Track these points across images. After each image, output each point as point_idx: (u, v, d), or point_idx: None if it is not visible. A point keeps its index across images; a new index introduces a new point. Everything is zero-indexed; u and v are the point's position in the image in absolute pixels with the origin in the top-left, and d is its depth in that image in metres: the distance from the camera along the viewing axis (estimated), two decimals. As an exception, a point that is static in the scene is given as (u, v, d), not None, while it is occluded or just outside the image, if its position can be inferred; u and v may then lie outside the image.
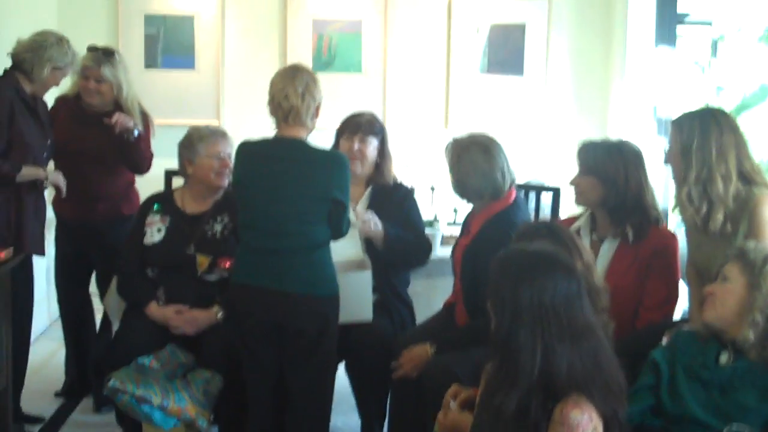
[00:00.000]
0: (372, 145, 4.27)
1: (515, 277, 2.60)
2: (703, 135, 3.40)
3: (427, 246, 4.33)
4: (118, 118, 4.49)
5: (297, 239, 3.53)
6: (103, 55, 4.60)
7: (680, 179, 3.48)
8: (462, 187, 3.91)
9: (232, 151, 4.16)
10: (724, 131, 3.40)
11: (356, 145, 4.22)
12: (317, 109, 3.71)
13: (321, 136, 4.25)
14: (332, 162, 3.60)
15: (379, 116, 6.50)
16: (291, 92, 3.61)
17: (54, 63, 4.22)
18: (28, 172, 4.14)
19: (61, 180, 4.28)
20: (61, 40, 4.27)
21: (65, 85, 4.64)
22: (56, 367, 5.19)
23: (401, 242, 4.20)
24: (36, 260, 4.86)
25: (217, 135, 4.22)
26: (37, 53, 4.19)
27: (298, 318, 3.55)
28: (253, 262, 3.60)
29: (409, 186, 4.48)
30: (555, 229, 3.10)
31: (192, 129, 4.27)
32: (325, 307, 3.60)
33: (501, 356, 2.63)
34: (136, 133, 4.53)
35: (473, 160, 3.82)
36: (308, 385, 3.65)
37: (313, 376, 3.65)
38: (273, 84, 3.67)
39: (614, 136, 4.08)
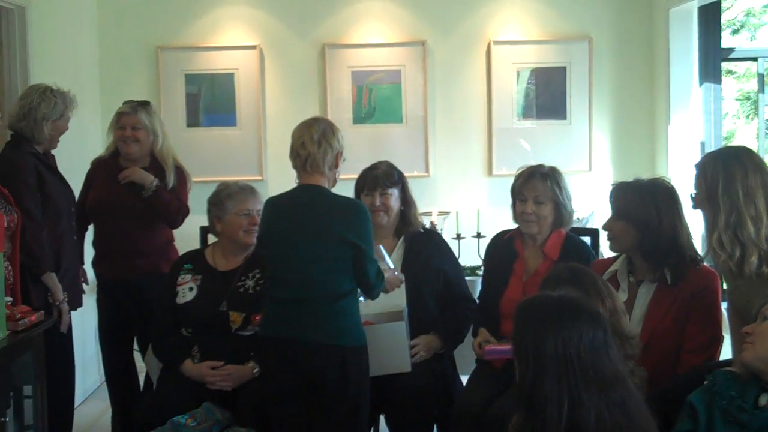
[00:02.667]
0: (393, 197, 4.25)
1: (538, 326, 2.55)
2: (728, 177, 3.30)
3: (471, 306, 4.30)
4: (126, 172, 4.56)
5: (320, 288, 3.53)
6: (138, 104, 4.69)
7: (710, 225, 3.38)
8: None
9: (262, 206, 4.18)
10: (749, 171, 3.30)
11: (377, 201, 4.20)
12: (337, 157, 3.74)
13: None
14: (350, 208, 3.63)
15: (422, 165, 6.62)
16: (307, 140, 3.66)
17: (49, 118, 4.28)
18: (52, 282, 4.19)
19: (65, 312, 4.30)
20: (44, 93, 4.32)
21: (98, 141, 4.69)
22: (104, 427, 5.24)
23: (456, 336, 4.23)
24: (86, 320, 4.93)
25: (245, 192, 4.22)
26: (28, 118, 4.26)
27: (319, 369, 3.53)
28: (277, 314, 3.62)
29: (439, 229, 4.45)
30: (577, 273, 3.04)
31: (221, 185, 4.29)
32: (349, 358, 3.55)
33: (527, 408, 2.56)
34: (154, 185, 4.58)
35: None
36: None
37: (350, 424, 3.60)
38: (292, 135, 3.73)
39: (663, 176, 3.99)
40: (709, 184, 3.34)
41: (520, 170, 4.15)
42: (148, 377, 4.67)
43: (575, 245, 4.11)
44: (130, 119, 4.66)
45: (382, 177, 4.24)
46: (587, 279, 3.02)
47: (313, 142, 3.64)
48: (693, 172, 3.48)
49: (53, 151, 4.48)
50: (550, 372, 2.49)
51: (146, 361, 4.48)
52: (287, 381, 3.59)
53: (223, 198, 4.21)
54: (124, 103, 4.77)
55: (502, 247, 4.19)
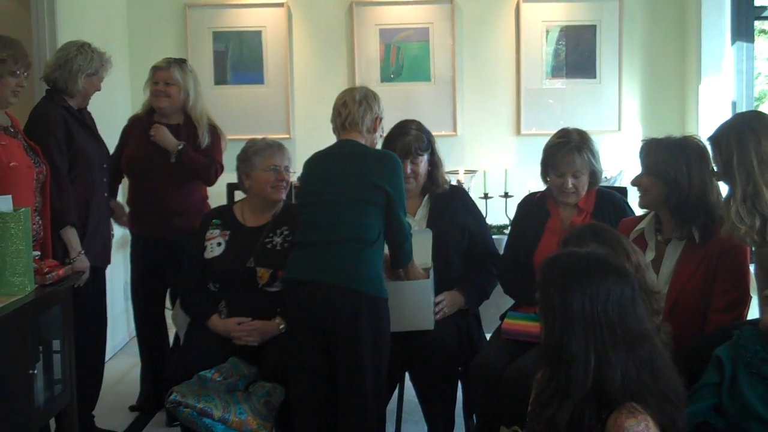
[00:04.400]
0: (423, 162, 4.22)
1: (566, 284, 2.54)
2: (741, 148, 3.23)
3: (496, 263, 4.28)
4: (153, 131, 4.57)
5: (348, 230, 3.58)
6: (174, 60, 4.72)
7: (727, 198, 3.33)
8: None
9: (291, 163, 4.19)
10: (762, 137, 3.23)
11: (408, 169, 4.17)
12: (376, 121, 3.82)
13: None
14: (384, 157, 3.75)
15: (450, 124, 6.59)
16: (349, 100, 3.81)
17: (84, 71, 4.30)
18: (70, 237, 4.18)
19: (86, 267, 4.28)
20: (82, 47, 4.34)
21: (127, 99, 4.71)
22: (132, 382, 5.29)
23: (480, 292, 4.23)
24: (115, 277, 4.97)
25: (273, 147, 4.22)
26: (64, 69, 4.28)
27: (333, 311, 3.55)
28: (302, 257, 3.66)
29: (466, 188, 4.44)
30: (600, 231, 3.02)
31: (249, 142, 4.29)
32: (364, 306, 3.56)
33: (552, 366, 2.56)
34: (177, 149, 4.62)
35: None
36: (357, 390, 3.60)
37: (362, 379, 3.60)
38: (336, 100, 3.87)
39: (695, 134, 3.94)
40: (725, 158, 3.29)
41: (552, 142, 4.10)
42: (177, 334, 4.71)
43: (609, 196, 4.12)
44: (163, 74, 4.71)
45: (414, 144, 4.20)
46: (610, 235, 3.00)
47: (354, 102, 3.79)
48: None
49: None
50: (577, 329, 2.49)
51: (173, 317, 4.51)
52: (305, 328, 3.62)
53: (250, 154, 4.21)
54: (162, 60, 4.81)
55: (533, 207, 4.18)
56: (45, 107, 4.26)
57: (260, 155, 4.19)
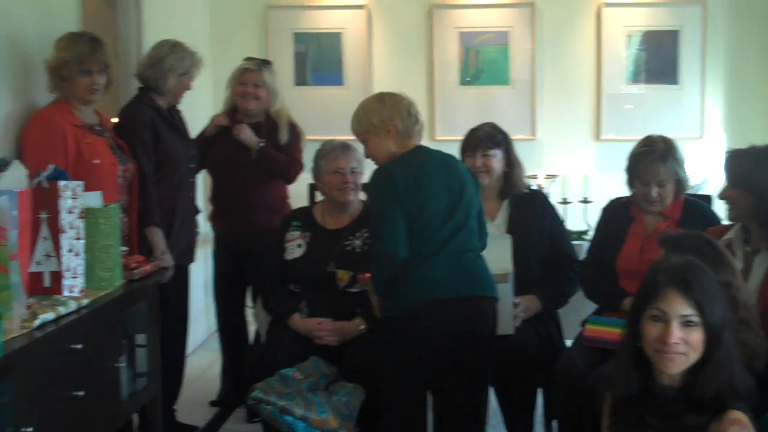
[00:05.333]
0: (496, 158, 4.20)
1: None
2: None
3: (576, 267, 4.26)
4: (236, 130, 4.66)
5: (470, 238, 3.57)
6: (262, 62, 4.77)
7: None
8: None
9: (360, 164, 4.17)
10: None
11: (479, 162, 4.17)
12: None
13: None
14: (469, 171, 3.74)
15: (529, 128, 6.56)
16: (413, 105, 3.71)
17: (176, 71, 4.36)
18: (154, 236, 4.23)
19: (170, 265, 4.31)
20: (174, 47, 4.40)
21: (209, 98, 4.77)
22: (212, 378, 5.35)
23: (557, 296, 4.21)
24: (196, 274, 5.04)
25: (336, 150, 4.23)
26: (156, 67, 4.34)
27: (487, 322, 3.57)
28: (434, 274, 3.46)
29: (545, 191, 4.41)
30: (697, 240, 2.99)
31: (322, 144, 4.33)
32: (494, 311, 3.63)
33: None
34: (258, 147, 4.69)
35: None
36: (479, 392, 3.64)
37: (485, 381, 3.67)
38: (401, 102, 3.66)
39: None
40: None
41: (636, 150, 4.05)
42: (257, 330, 4.76)
43: (696, 205, 4.08)
44: (253, 76, 4.77)
45: (483, 138, 4.21)
46: (711, 247, 2.97)
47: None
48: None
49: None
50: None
51: (254, 315, 4.56)
52: (441, 346, 3.49)
53: (318, 158, 4.25)
54: (247, 59, 4.86)
55: (617, 213, 4.14)
56: (134, 108, 4.34)
57: (326, 158, 4.21)
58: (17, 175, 3.02)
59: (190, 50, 4.45)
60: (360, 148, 3.90)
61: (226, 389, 5.09)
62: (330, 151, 4.24)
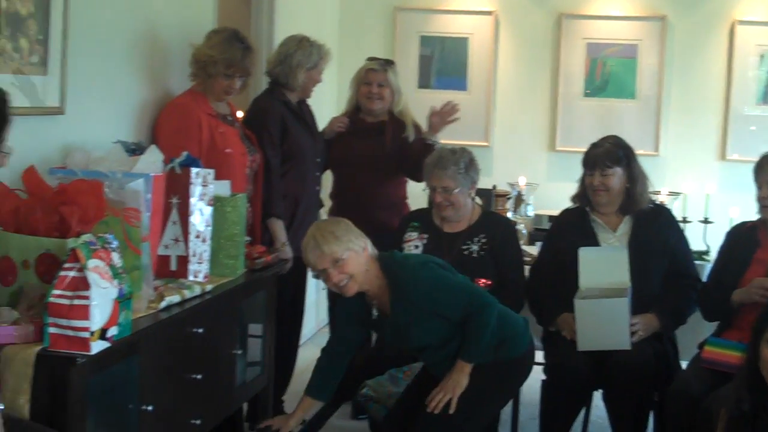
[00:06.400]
0: (615, 176, 4.11)
1: None
2: None
3: (696, 285, 4.15)
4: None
5: None
6: (386, 62, 4.81)
7: None
8: None
9: (454, 180, 4.13)
10: None
11: (597, 180, 4.11)
12: None
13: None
14: None
15: (652, 144, 6.45)
16: None
17: (304, 65, 4.42)
18: (275, 228, 4.31)
19: (290, 257, 4.35)
20: (301, 42, 4.45)
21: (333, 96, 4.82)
22: (319, 372, 5.38)
23: (677, 316, 4.10)
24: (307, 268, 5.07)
25: (428, 167, 4.19)
26: (285, 64, 4.41)
27: None
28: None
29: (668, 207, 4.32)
30: None
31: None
32: None
33: None
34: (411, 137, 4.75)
35: None
36: None
37: None
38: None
39: None
40: None
41: None
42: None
43: None
44: (378, 76, 4.80)
45: (602, 156, 4.12)
46: None
47: None
48: None
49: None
50: None
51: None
52: None
53: (424, 170, 4.25)
54: (370, 59, 4.91)
55: (742, 237, 4.03)
56: (264, 101, 4.43)
57: (426, 173, 4.21)
58: (153, 160, 3.12)
59: (317, 43, 4.51)
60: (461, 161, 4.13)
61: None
62: (427, 167, 4.21)
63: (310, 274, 4.46)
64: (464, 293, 3.48)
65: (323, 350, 3.69)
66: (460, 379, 3.42)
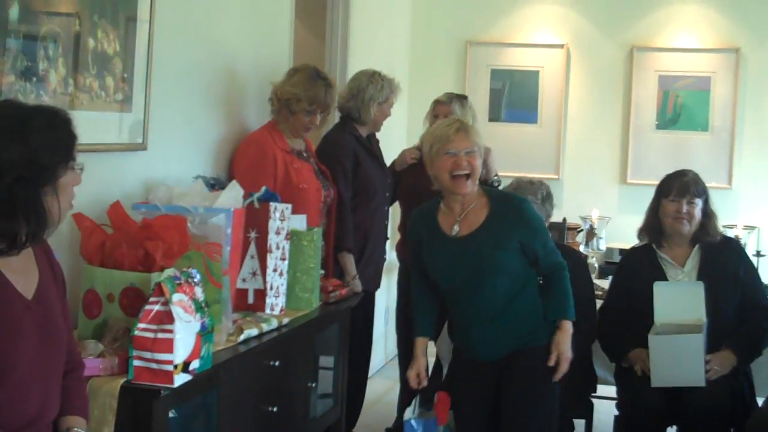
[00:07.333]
0: (698, 207, 4.10)
1: None
2: None
3: None
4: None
5: None
6: (456, 96, 4.85)
7: None
8: None
9: None
10: None
11: (684, 208, 4.08)
12: None
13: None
14: None
15: (725, 177, 6.38)
16: None
17: (376, 100, 4.47)
18: (346, 261, 4.36)
19: (359, 290, 4.36)
20: (372, 77, 4.51)
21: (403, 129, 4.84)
22: (389, 404, 5.42)
23: (751, 350, 4.04)
24: (377, 300, 5.12)
25: None
26: (357, 99, 4.47)
27: None
28: None
29: (741, 240, 4.27)
30: None
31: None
32: None
33: None
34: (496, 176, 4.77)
35: None
36: None
37: None
38: None
39: None
40: None
41: None
42: (437, 360, 4.80)
43: None
44: (444, 108, 4.84)
45: (692, 185, 4.12)
46: None
47: None
48: None
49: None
50: None
51: (437, 345, 4.59)
52: None
53: None
54: (444, 94, 4.96)
55: None
56: (337, 136, 4.49)
57: None
58: (234, 195, 3.17)
59: (388, 78, 4.57)
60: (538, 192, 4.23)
61: (403, 417, 5.13)
62: None
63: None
64: (552, 242, 3.58)
65: (414, 293, 3.73)
66: (567, 339, 3.46)
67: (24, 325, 2.10)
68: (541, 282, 3.54)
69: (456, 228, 3.49)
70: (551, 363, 3.44)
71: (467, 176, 3.41)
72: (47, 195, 2.09)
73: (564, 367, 3.45)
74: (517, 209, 3.49)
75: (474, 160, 3.42)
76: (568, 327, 3.48)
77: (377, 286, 4.73)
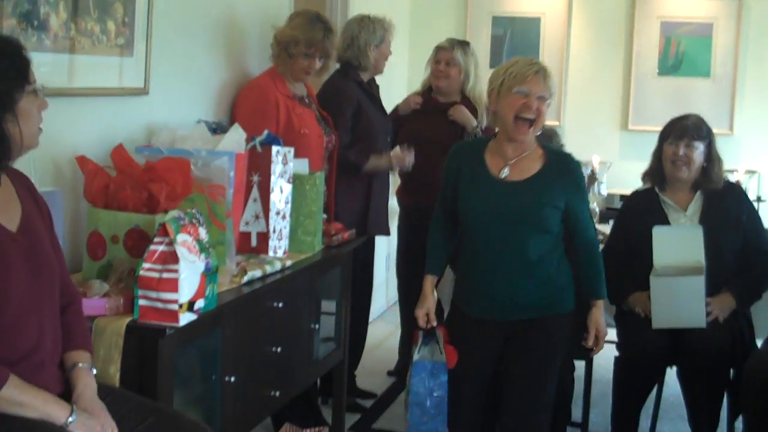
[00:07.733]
0: (698, 150, 4.09)
1: None
2: None
3: None
4: (453, 111, 4.69)
5: None
6: (458, 42, 4.84)
7: None
8: None
9: None
10: None
11: (681, 151, 4.08)
12: None
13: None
14: None
15: (727, 123, 6.38)
16: None
17: (371, 43, 4.47)
18: (372, 164, 4.40)
19: (403, 157, 4.47)
20: (362, 21, 4.51)
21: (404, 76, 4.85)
22: (391, 348, 5.48)
23: (751, 293, 4.07)
24: (378, 246, 5.16)
25: None
26: (353, 47, 4.47)
27: None
28: None
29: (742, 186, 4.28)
30: None
31: None
32: None
33: None
34: (477, 129, 4.71)
35: None
36: None
37: None
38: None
39: None
40: None
41: None
42: (438, 304, 4.84)
43: None
44: (446, 54, 4.84)
45: (691, 128, 4.11)
46: None
47: None
48: None
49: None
50: None
51: (439, 290, 4.62)
52: None
53: None
54: (447, 40, 4.95)
55: None
56: (339, 82, 4.49)
57: None
58: (236, 138, 3.19)
59: (378, 18, 4.55)
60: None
61: (404, 360, 5.19)
62: None
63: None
64: (588, 208, 3.54)
65: (432, 228, 3.65)
66: (603, 317, 3.44)
67: (11, 257, 2.14)
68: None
69: (506, 171, 3.35)
70: (589, 343, 3.40)
71: (531, 122, 3.26)
72: (7, 121, 2.11)
73: (602, 345, 3.44)
74: (574, 170, 3.39)
75: (543, 106, 3.26)
76: (601, 304, 3.44)
77: (386, 232, 4.75)
